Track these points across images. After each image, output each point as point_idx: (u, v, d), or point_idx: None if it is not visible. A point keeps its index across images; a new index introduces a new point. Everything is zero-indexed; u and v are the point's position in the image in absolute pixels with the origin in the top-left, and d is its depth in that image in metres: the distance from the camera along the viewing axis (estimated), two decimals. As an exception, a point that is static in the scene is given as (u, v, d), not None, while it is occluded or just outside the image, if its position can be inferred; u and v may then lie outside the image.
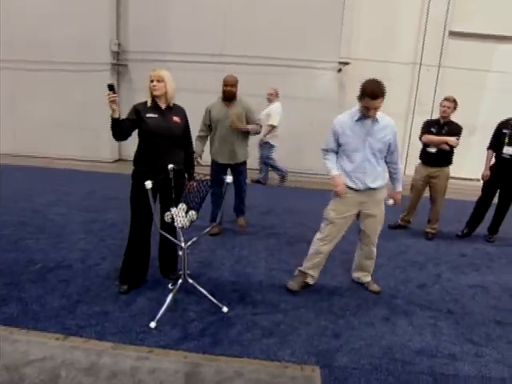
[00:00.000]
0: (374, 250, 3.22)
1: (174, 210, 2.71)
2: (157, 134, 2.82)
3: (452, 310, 3.01)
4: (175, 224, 2.67)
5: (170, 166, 2.83)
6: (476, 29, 7.31)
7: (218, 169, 4.18)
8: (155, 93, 2.79)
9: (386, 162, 3.02)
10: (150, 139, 2.83)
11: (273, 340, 2.49)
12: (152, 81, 2.79)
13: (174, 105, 2.95)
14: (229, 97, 4.02)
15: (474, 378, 2.28)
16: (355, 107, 2.86)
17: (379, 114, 2.82)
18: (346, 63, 7.28)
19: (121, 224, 4.30)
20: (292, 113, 7.08)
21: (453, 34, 7.43)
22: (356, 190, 2.94)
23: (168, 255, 3.21)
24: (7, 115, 7.87)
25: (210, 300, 2.83)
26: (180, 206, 2.76)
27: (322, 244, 3.08)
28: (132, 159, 2.96)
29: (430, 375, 2.27)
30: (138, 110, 2.81)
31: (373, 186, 2.92)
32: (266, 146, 6.65)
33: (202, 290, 2.85)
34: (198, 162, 4.01)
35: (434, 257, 4.07)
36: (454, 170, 4.57)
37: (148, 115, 2.80)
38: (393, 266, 3.77)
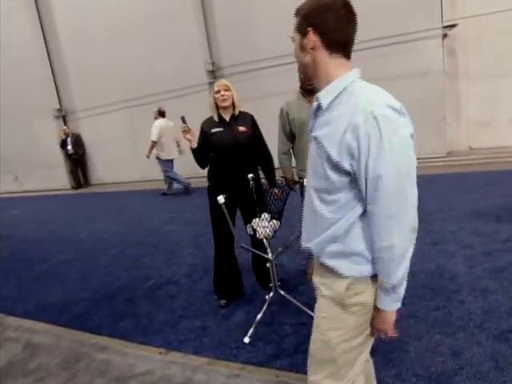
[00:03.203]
0: None
1: (255, 221, 2.63)
2: (222, 149, 2.75)
3: None
4: (257, 235, 2.58)
5: (250, 176, 2.76)
6: None
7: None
8: (224, 103, 2.71)
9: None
10: (216, 154, 2.80)
11: (375, 358, 2.16)
12: (218, 91, 2.71)
13: (239, 113, 2.83)
14: (308, 86, 2.72)
15: None
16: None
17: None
18: (453, 26, 6.28)
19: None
20: (394, 94, 6.39)
21: None
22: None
23: (261, 265, 3.13)
24: (131, 146, 9.01)
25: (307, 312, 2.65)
26: (263, 216, 2.67)
27: None
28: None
29: None
30: (202, 129, 2.82)
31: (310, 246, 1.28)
32: (158, 160, 7.39)
33: (296, 302, 2.69)
34: (292, 188, 2.91)
35: None
36: None
37: (213, 130, 2.75)
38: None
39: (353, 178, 1.09)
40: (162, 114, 7.39)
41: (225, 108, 2.76)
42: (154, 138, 7.14)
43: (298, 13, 1.17)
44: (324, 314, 1.28)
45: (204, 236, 4.72)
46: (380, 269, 1.13)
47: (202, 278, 3.56)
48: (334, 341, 1.25)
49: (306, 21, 1.13)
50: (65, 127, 10.23)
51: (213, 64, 8.16)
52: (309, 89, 2.72)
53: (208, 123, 2.82)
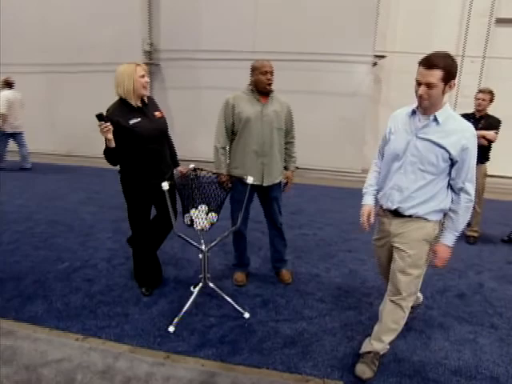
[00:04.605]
0: (400, 310, 2.19)
1: (194, 211, 2.63)
2: (147, 140, 2.53)
3: (496, 324, 2.73)
4: (194, 226, 2.59)
5: (192, 166, 2.75)
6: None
7: (240, 191, 2.85)
8: (145, 91, 2.49)
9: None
10: (140, 146, 2.55)
11: (294, 350, 2.36)
12: (143, 76, 2.45)
13: (147, 98, 2.63)
14: (268, 89, 2.80)
15: (521, 404, 2.04)
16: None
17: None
18: (382, 56, 6.95)
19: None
20: (322, 108, 6.87)
21: (501, 21, 6.88)
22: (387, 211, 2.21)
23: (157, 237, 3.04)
24: (45, 116, 8.18)
25: (232, 305, 2.74)
26: (200, 207, 2.68)
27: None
28: None
29: (469, 399, 2.05)
30: (116, 121, 2.43)
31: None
32: None
33: (223, 295, 2.75)
34: (226, 186, 2.84)
35: (476, 263, 3.75)
36: (501, 168, 4.20)
37: (131, 122, 2.48)
38: (429, 273, 3.47)
39: (451, 165, 1.92)
40: (9, 84, 6.93)
41: (142, 96, 2.53)
42: (3, 110, 6.73)
43: (442, 67, 1.78)
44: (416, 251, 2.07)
45: (125, 221, 4.46)
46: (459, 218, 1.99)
47: (123, 264, 3.43)
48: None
49: (453, 77, 1.82)
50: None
51: (151, 45, 7.82)
52: (266, 91, 2.80)
53: (120, 113, 2.48)
